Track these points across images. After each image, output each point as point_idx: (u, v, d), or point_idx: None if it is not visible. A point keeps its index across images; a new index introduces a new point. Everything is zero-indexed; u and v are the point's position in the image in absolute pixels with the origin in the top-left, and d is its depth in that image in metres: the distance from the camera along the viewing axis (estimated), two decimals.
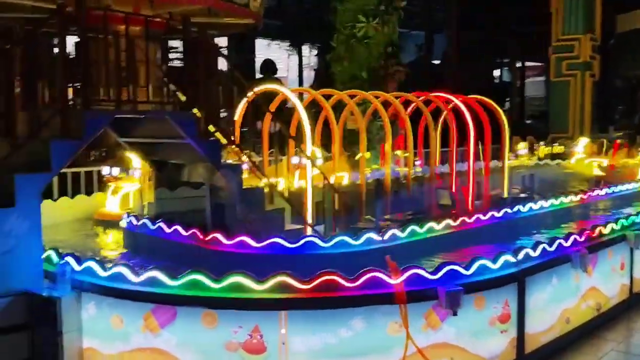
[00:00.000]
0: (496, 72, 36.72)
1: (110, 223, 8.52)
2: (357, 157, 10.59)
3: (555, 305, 6.05)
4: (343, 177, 10.07)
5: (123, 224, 7.38)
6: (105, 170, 9.17)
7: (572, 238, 6.28)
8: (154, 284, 4.88)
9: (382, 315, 4.84)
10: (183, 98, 6.35)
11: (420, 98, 10.76)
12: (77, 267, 5.25)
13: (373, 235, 6.34)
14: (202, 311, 4.76)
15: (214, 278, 4.77)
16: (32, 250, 5.32)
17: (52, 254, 5.53)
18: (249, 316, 4.72)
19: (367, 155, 10.41)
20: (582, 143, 17.53)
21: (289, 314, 4.73)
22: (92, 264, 5.17)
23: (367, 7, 13.33)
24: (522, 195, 10.40)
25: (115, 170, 9.04)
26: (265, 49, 34.60)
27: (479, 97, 10.95)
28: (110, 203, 9.12)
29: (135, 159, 8.79)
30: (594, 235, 6.77)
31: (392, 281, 4.85)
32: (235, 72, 7.12)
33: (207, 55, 6.51)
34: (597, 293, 6.77)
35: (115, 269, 5.03)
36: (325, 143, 10.13)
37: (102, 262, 5.19)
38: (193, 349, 4.82)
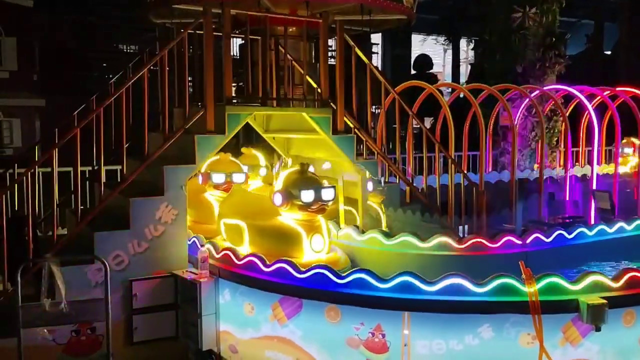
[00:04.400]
0: None
1: None
2: None
3: None
4: None
5: None
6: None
7: None
8: (282, 275, 5.01)
9: (513, 325, 4.52)
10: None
11: (583, 92, 9.99)
12: (215, 255, 5.56)
13: (513, 239, 5.95)
14: (326, 305, 4.80)
15: (337, 274, 4.78)
16: (178, 236, 5.79)
17: (196, 241, 5.91)
18: (371, 314, 4.67)
19: None
20: None
21: (412, 315, 4.60)
22: (228, 252, 5.45)
23: None
24: None
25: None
26: (420, 45, 34.21)
27: None
28: (318, 245, 5.55)
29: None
30: None
31: (525, 289, 4.51)
32: (373, 69, 7.06)
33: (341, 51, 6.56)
34: None
35: (248, 259, 5.25)
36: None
37: (235, 252, 5.43)
38: (317, 341, 4.88)
